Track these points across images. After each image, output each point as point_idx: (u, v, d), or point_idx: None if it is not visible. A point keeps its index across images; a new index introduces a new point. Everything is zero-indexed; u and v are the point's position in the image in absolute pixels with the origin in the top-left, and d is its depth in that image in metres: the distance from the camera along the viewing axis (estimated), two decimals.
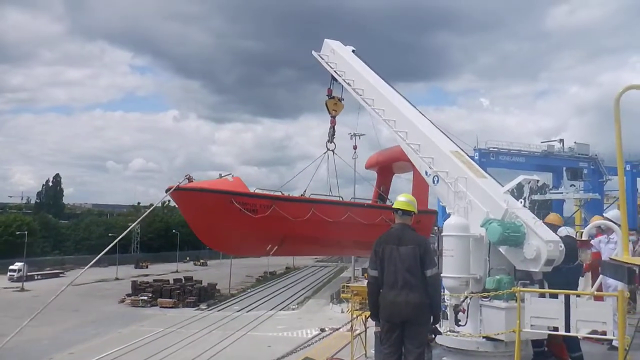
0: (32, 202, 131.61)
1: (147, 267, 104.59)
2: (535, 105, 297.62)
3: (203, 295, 73.26)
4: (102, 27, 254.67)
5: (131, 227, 17.52)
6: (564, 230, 9.93)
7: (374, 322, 7.67)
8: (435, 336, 7.78)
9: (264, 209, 14.45)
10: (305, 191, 16.48)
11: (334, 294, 62.54)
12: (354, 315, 19.15)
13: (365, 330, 18.91)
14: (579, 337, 8.39)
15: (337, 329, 35.09)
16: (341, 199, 16.13)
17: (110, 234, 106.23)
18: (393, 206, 7.53)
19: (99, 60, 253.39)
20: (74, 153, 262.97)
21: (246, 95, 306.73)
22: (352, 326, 19.58)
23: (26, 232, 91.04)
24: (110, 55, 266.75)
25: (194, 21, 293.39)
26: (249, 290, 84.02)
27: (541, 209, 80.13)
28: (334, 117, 15.95)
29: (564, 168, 66.69)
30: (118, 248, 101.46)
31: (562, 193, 65.96)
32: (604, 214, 11.36)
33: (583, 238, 10.12)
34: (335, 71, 14.15)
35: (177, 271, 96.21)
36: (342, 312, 47.43)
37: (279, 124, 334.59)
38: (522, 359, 7.83)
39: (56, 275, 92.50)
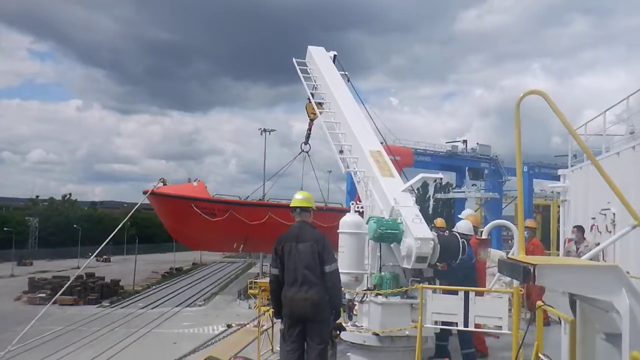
0: None
1: (31, 264, 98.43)
2: (443, 107, 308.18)
3: (105, 292, 70.80)
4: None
5: (124, 221, 18.82)
6: (460, 226, 10.37)
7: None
8: (340, 332, 7.84)
9: (222, 212, 16.44)
10: (264, 195, 18.02)
11: (241, 290, 61.96)
12: (261, 311, 19.02)
13: (272, 326, 18.89)
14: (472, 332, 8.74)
15: (244, 325, 34.87)
16: None
17: (5, 229, 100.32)
18: (290, 205, 7.49)
19: None
20: None
21: (155, 86, 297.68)
22: (259, 322, 19.47)
23: None
24: (7, 39, 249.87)
25: (100, 6, 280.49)
26: (154, 287, 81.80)
27: (444, 207, 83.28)
28: (312, 120, 16.33)
29: (467, 168, 69.35)
30: (14, 243, 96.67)
31: (464, 192, 68.60)
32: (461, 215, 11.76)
33: (483, 237, 10.55)
34: (304, 76, 14.61)
35: (78, 267, 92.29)
36: (250, 308, 47.14)
37: (189, 117, 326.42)
38: (424, 352, 8.05)
39: None
